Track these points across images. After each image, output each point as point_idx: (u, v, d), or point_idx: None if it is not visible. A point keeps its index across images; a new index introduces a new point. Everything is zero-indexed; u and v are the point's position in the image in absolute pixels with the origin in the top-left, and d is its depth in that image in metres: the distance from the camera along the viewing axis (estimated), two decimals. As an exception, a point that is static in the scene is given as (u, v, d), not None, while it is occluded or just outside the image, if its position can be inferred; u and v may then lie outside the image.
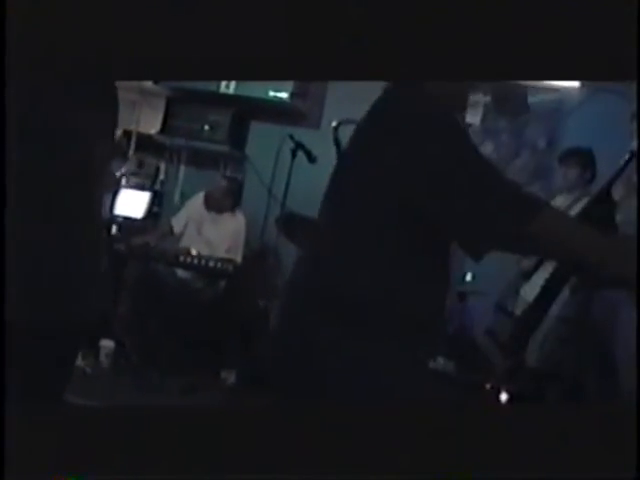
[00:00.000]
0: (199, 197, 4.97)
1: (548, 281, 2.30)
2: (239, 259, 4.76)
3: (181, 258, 4.47)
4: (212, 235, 4.80)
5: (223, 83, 4.90)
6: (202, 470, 1.51)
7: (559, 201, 3.72)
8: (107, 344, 4.38)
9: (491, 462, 1.37)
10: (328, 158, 3.48)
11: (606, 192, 2.46)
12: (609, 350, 2.59)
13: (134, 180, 5.02)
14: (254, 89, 4.83)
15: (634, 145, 2.61)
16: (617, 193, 2.69)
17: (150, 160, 5.35)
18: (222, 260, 4.56)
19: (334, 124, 3.35)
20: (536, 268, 2.56)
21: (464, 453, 1.40)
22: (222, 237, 4.80)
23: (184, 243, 4.77)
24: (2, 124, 1.46)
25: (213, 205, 4.86)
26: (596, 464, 1.31)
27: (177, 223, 4.90)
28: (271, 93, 4.83)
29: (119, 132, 4.99)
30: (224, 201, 4.86)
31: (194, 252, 4.54)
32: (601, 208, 2.55)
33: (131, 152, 5.18)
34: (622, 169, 2.49)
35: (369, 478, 1.46)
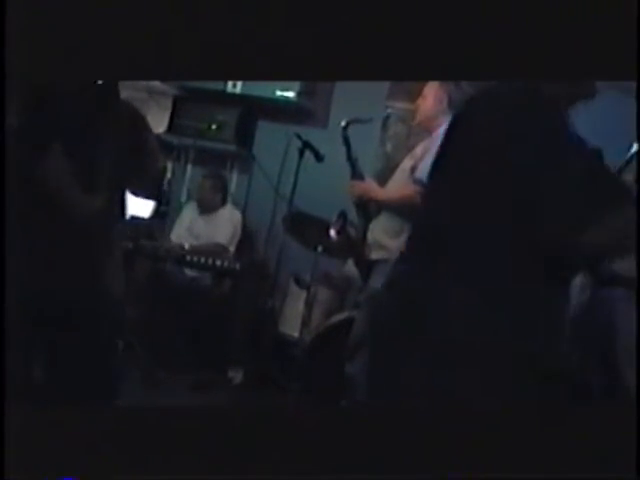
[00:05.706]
0: (189, 207, 5.12)
1: None
2: (233, 249, 4.85)
3: (188, 257, 4.48)
4: (210, 233, 4.88)
5: (230, 82, 4.89)
6: (207, 469, 1.52)
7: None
8: (115, 342, 4.40)
9: (492, 461, 1.38)
10: (335, 157, 3.49)
11: None
12: (609, 350, 2.59)
13: (141, 179, 5.03)
14: (261, 88, 4.83)
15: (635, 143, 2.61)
16: None
17: (157, 159, 5.35)
18: (229, 258, 4.57)
19: (343, 123, 3.35)
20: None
21: (466, 452, 1.41)
22: (220, 231, 4.89)
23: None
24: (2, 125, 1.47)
25: (206, 206, 4.98)
26: (596, 464, 1.31)
27: (178, 236, 4.98)
28: (278, 92, 4.83)
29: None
30: (214, 198, 4.97)
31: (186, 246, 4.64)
32: None
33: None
34: (620, 167, 2.50)
35: (374, 478, 1.47)
